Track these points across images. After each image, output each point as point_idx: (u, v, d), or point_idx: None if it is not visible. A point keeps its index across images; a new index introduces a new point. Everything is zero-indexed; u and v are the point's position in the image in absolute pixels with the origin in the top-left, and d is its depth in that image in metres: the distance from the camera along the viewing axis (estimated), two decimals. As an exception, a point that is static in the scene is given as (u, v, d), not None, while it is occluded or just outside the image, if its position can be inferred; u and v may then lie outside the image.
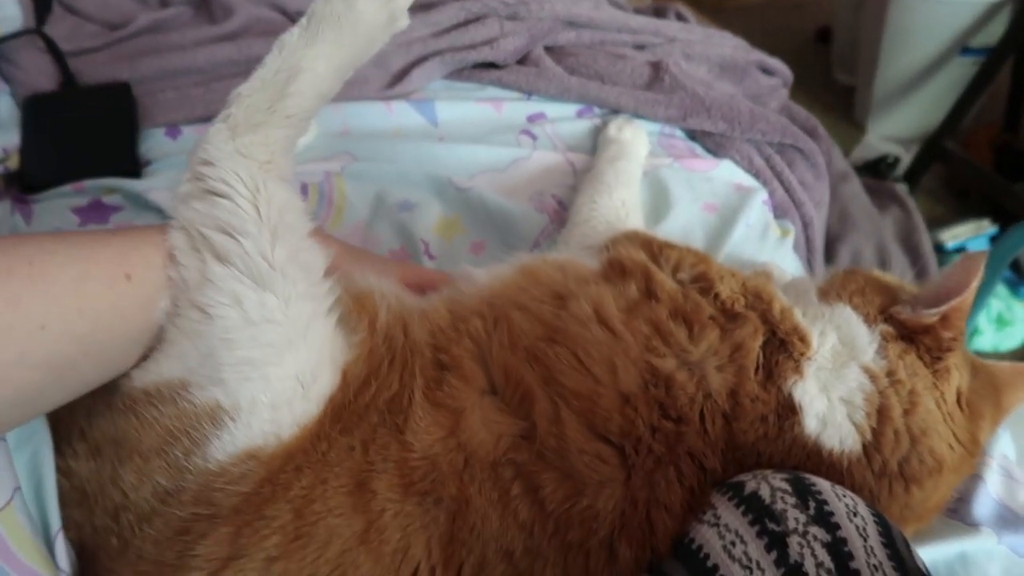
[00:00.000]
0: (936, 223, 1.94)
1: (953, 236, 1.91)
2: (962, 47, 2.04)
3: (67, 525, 0.53)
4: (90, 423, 0.55)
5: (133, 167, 0.95)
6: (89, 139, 0.96)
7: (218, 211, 0.54)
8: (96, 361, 0.51)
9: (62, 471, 0.54)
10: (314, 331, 0.56)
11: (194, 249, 0.54)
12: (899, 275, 0.73)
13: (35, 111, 0.98)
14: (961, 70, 2.07)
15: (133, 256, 0.52)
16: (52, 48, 1.06)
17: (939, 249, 1.86)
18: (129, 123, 0.98)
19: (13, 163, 0.93)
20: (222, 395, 0.51)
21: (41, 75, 1.04)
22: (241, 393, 0.52)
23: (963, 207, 2.12)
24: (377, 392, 0.57)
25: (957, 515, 0.68)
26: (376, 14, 0.62)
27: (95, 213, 0.90)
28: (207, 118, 0.99)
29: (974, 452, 0.63)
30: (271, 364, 0.53)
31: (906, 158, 2.18)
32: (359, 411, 0.56)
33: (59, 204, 0.90)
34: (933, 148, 2.06)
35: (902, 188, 1.93)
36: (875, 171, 2.15)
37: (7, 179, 0.93)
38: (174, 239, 0.54)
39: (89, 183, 0.91)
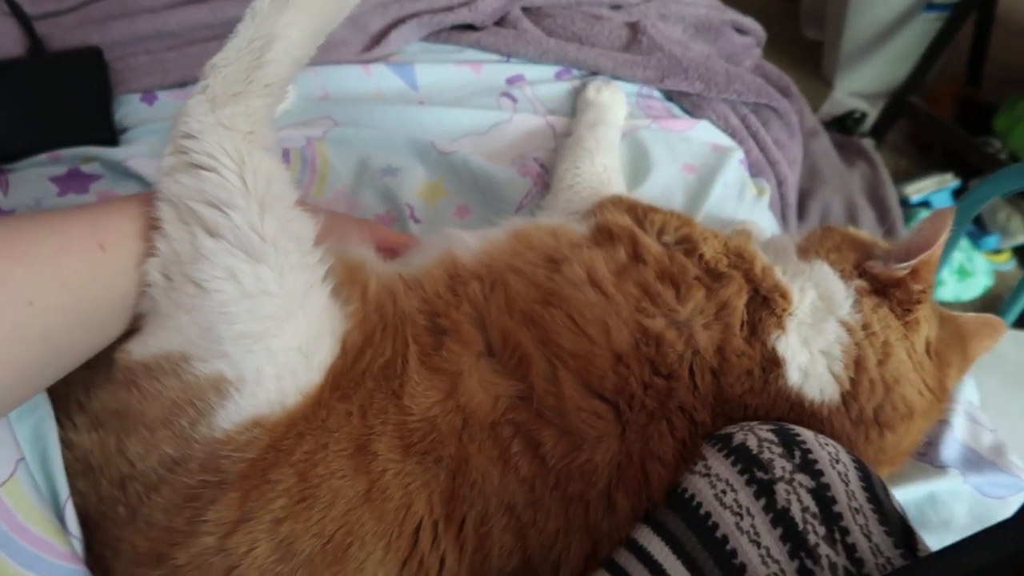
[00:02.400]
0: (900, 177, 1.98)
1: (917, 190, 1.96)
2: (927, 3, 2.07)
3: (72, 495, 0.55)
4: (88, 396, 0.55)
5: (110, 135, 0.94)
6: (62, 106, 0.94)
7: (205, 184, 0.54)
8: (85, 330, 0.52)
9: (63, 443, 0.55)
10: (311, 302, 0.57)
11: (183, 222, 0.54)
12: (867, 230, 0.76)
13: (4, 78, 0.96)
14: (925, 26, 2.09)
15: (105, 228, 0.53)
16: (16, 11, 1.03)
17: (904, 203, 1.91)
18: (103, 90, 0.96)
19: (-15, 133, 0.91)
20: (226, 367, 0.52)
21: (7, 40, 1.01)
22: (245, 365, 0.53)
23: (926, 161, 2.16)
24: (372, 359, 0.58)
25: (926, 458, 0.72)
26: None
27: (74, 182, 0.89)
28: (183, 83, 0.98)
29: (942, 398, 0.67)
30: (272, 336, 0.54)
31: (872, 113, 2.22)
32: (356, 378, 0.57)
33: (36, 174, 0.89)
34: (898, 103, 2.10)
35: (869, 143, 1.97)
36: (842, 126, 2.18)
37: (-20, 149, 0.91)
38: (162, 212, 0.55)
39: (66, 152, 0.90)
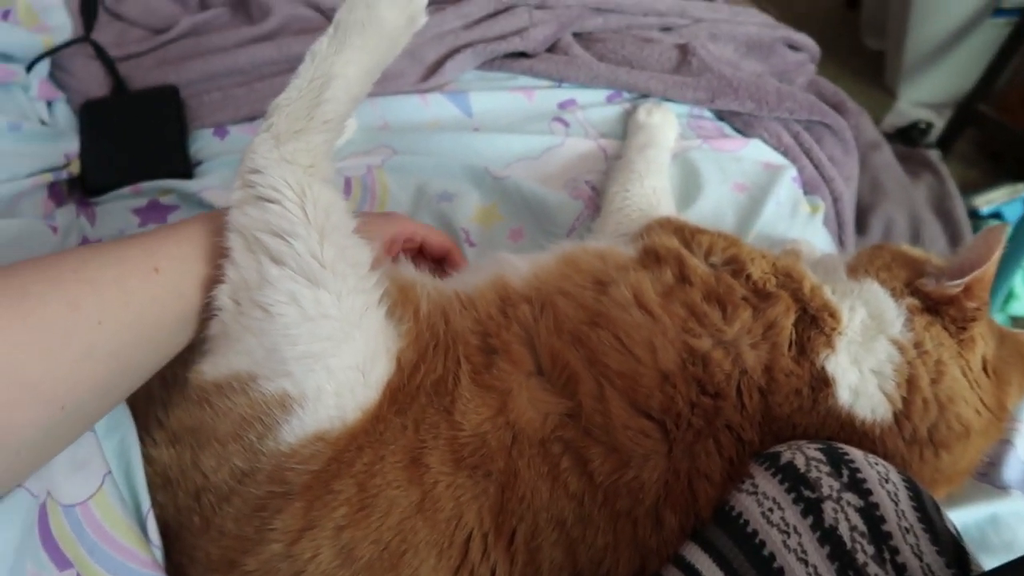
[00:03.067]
0: (970, 188, 1.92)
1: (988, 201, 1.90)
2: (994, 8, 2.01)
3: (153, 507, 0.58)
4: (167, 414, 0.59)
5: (186, 168, 1.00)
6: (143, 142, 1.01)
7: (269, 216, 0.58)
8: (149, 347, 0.56)
9: (145, 458, 0.59)
10: (367, 322, 0.60)
11: (250, 251, 0.58)
12: (932, 242, 0.75)
13: (90, 117, 1.04)
14: (993, 31, 2.03)
15: (158, 252, 0.57)
16: (102, 55, 1.11)
17: (974, 214, 1.85)
18: (179, 125, 1.03)
19: (75, 168, 0.98)
20: (290, 386, 0.56)
21: (93, 81, 1.09)
22: (307, 383, 0.56)
23: (997, 171, 2.10)
24: (425, 375, 0.61)
25: (987, 479, 0.70)
26: (397, 17, 0.66)
27: (153, 213, 0.95)
28: (252, 117, 1.04)
29: (1002, 417, 0.66)
30: (332, 356, 0.57)
31: (939, 123, 2.17)
32: (411, 393, 0.60)
33: (120, 206, 0.96)
34: (966, 112, 2.04)
35: (935, 154, 1.92)
36: (907, 138, 2.13)
37: (70, 184, 0.99)
38: (231, 241, 0.59)
39: (146, 185, 0.96)
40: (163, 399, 0.60)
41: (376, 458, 0.56)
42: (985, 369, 0.65)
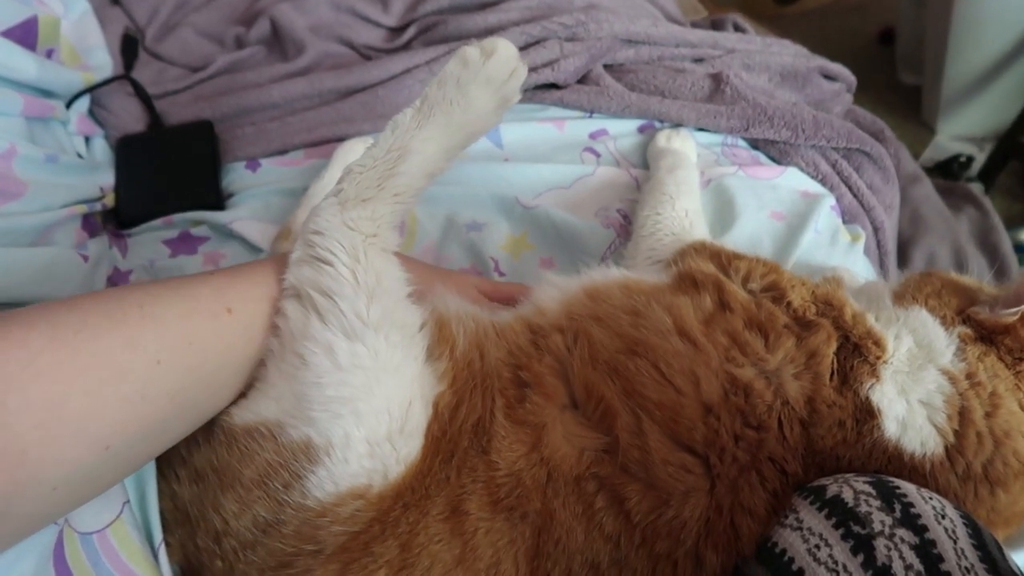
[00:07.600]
0: (1015, 222, 1.87)
1: (1034, 234, 1.84)
2: (1034, 40, 1.98)
3: (171, 543, 0.57)
4: (190, 452, 0.58)
5: (217, 200, 1.01)
6: (176, 175, 1.02)
7: (321, 276, 0.58)
8: (208, 390, 0.54)
9: (167, 494, 0.58)
10: (404, 370, 0.58)
11: (301, 305, 0.57)
12: (977, 276, 0.71)
13: (126, 151, 1.05)
14: (1033, 64, 2.00)
15: (231, 292, 0.56)
16: (140, 92, 1.14)
17: (1020, 248, 1.80)
18: (212, 159, 1.04)
19: (109, 201, 1.00)
20: (314, 433, 0.54)
21: (130, 118, 1.11)
22: (333, 431, 0.54)
23: (1043, 204, 2.04)
24: (466, 417, 0.58)
25: (1051, 521, 0.66)
26: (488, 98, 0.64)
27: (184, 244, 0.96)
28: (283, 150, 1.05)
29: (1065, 455, 0.62)
30: (360, 400, 0.55)
31: (980, 157, 2.12)
32: (454, 438, 0.57)
33: (151, 237, 0.97)
34: (1008, 145, 1.99)
35: (977, 187, 1.88)
36: (947, 172, 2.09)
37: (104, 216, 1.00)
38: (285, 294, 0.58)
39: (177, 216, 0.97)
40: (190, 435, 0.59)
41: (421, 514, 0.53)
42: (1046, 403, 0.61)
